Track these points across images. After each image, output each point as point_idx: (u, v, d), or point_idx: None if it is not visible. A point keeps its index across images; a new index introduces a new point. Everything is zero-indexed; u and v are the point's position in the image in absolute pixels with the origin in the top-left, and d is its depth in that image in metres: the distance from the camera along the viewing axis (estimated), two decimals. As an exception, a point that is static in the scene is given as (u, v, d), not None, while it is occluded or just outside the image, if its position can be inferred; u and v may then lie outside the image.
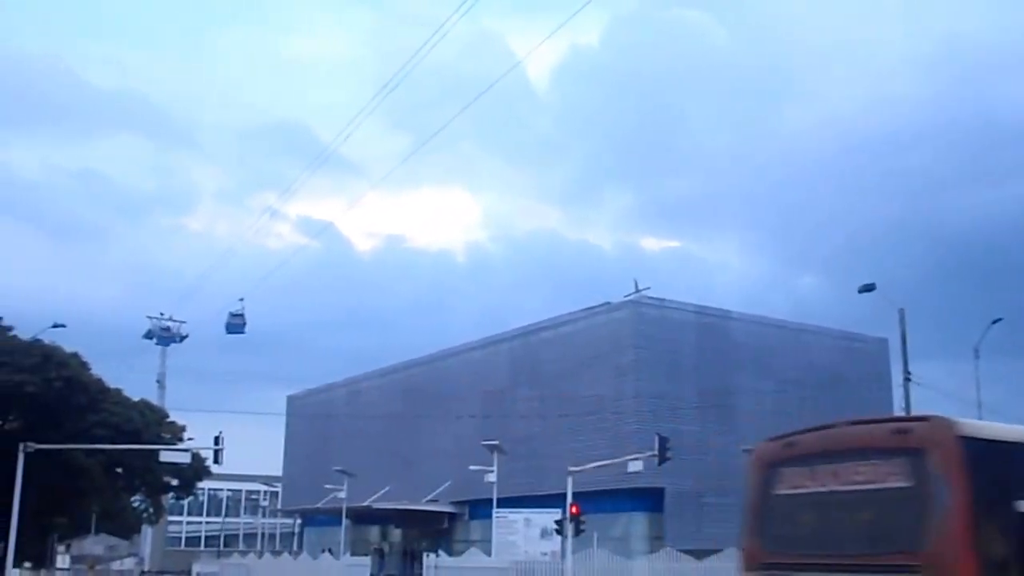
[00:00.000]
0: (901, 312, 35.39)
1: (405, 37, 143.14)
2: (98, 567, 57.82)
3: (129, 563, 60.42)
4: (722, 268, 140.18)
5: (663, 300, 49.59)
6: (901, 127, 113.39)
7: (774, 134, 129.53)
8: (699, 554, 38.75)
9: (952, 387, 48.32)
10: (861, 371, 52.43)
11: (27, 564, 51.65)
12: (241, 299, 35.85)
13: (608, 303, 50.78)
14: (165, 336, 72.14)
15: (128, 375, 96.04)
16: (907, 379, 34.39)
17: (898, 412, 38.49)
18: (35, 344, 37.09)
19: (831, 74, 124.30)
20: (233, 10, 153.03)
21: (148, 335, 72.20)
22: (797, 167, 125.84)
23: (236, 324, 34.13)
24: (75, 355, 38.23)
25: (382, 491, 56.29)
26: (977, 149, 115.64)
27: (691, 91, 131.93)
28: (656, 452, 34.68)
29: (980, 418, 36.85)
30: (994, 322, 40.10)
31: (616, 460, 37.40)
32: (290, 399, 78.00)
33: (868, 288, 35.25)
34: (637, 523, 46.15)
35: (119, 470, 42.80)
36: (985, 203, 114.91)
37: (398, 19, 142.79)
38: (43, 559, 59.97)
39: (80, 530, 55.08)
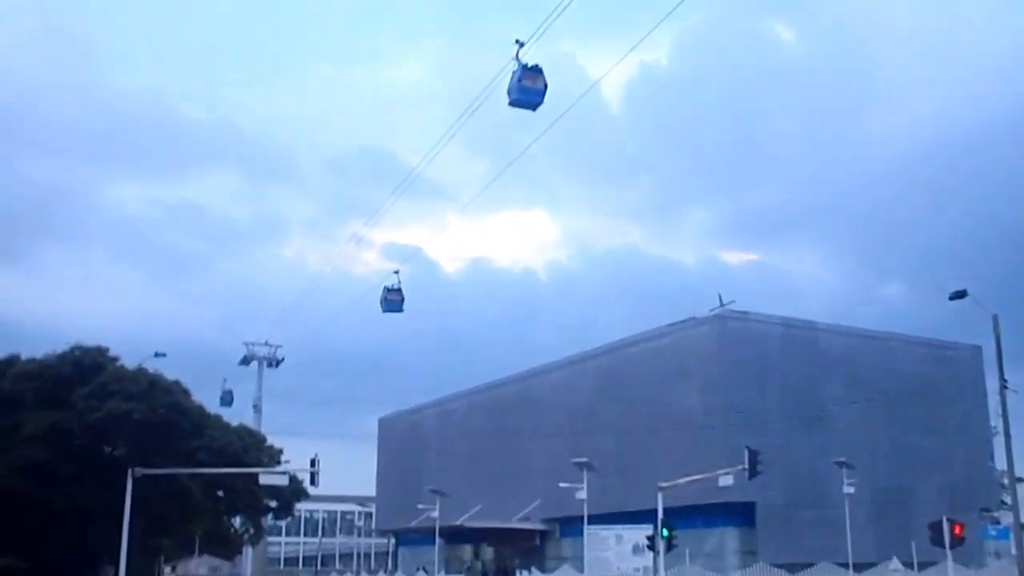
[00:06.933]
0: (995, 318, 34.01)
1: (480, 63, 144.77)
2: (204, 587, 59.84)
3: (232, 583, 62.30)
4: (805, 279, 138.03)
5: (747, 313, 49.27)
6: (985, 127, 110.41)
7: (851, 141, 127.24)
8: (793, 568, 38.47)
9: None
10: (954, 380, 51.27)
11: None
12: (396, 271, 35.10)
13: (693, 318, 50.64)
14: (251, 359, 73.17)
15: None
16: (1004, 387, 33.12)
17: (995, 421, 37.38)
18: (140, 372, 38.51)
19: (910, 77, 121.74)
20: (315, 42, 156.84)
21: (244, 361, 74.14)
22: (877, 173, 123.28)
23: (394, 300, 32.88)
24: (177, 382, 39.47)
25: (474, 510, 56.85)
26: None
27: (765, 101, 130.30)
28: (746, 466, 34.52)
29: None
30: (1093, 325, 38.16)
31: (706, 475, 37.29)
32: (381, 421, 79.42)
33: (959, 295, 33.67)
34: (729, 538, 45.85)
35: (220, 493, 44.09)
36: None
37: (472, 44, 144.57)
38: (151, 580, 62.22)
39: (185, 551, 56.86)
